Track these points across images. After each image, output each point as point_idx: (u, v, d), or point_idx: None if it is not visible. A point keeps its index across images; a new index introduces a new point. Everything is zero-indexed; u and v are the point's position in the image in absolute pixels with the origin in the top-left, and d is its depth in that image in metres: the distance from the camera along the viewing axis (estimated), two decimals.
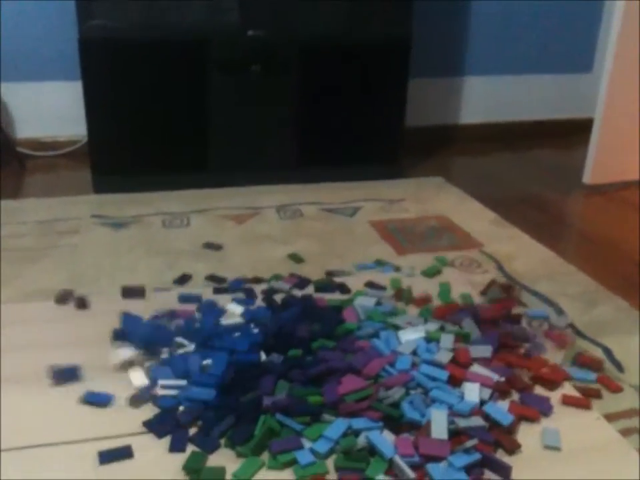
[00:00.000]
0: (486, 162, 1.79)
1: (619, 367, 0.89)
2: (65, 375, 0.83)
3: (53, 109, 1.66)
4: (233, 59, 1.42)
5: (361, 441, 0.71)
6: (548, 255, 1.21)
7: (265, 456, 0.71)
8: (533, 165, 1.77)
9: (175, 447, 0.72)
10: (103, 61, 1.37)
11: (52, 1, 1.57)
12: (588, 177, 1.58)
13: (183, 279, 1.08)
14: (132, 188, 1.44)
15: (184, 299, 1.01)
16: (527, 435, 0.76)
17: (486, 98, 1.98)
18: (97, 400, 0.78)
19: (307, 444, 0.72)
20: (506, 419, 0.76)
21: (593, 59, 2.04)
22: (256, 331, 0.90)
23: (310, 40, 1.45)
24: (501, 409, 0.77)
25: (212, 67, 1.41)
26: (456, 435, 0.73)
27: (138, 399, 0.78)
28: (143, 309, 0.97)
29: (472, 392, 0.79)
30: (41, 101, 1.65)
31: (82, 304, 0.99)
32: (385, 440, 0.71)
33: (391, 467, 0.69)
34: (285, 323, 0.91)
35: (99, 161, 1.44)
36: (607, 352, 0.91)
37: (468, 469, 0.69)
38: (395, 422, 0.74)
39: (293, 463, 0.70)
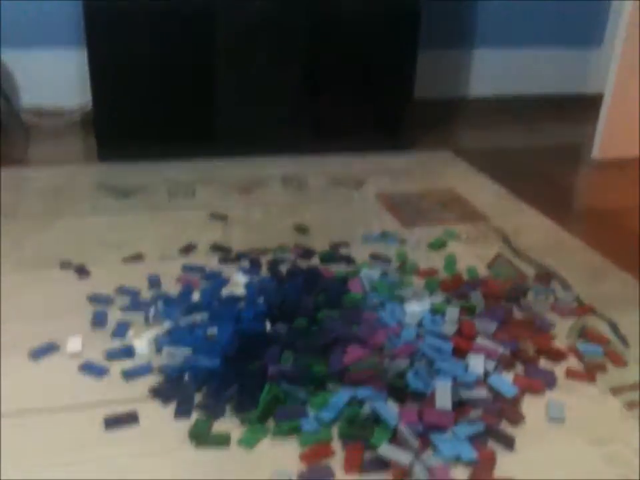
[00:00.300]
0: (495, 136, 1.78)
1: (624, 341, 0.88)
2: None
3: (57, 77, 1.64)
4: (240, 28, 1.40)
5: (365, 410, 0.71)
6: (555, 229, 1.21)
7: (270, 424, 0.71)
8: (541, 139, 1.75)
9: (180, 413, 0.72)
10: (108, 28, 1.35)
11: None
12: (597, 152, 1.57)
13: (188, 249, 1.08)
14: (137, 157, 1.44)
15: (188, 269, 1.01)
16: (531, 406, 0.76)
17: (496, 70, 1.95)
18: (96, 370, 0.79)
19: (312, 413, 0.72)
20: (510, 390, 0.76)
21: (604, 33, 2.01)
22: (261, 301, 0.90)
23: (318, 10, 1.43)
24: (506, 381, 0.77)
25: (218, 35, 1.40)
26: (460, 405, 0.73)
27: (139, 369, 0.79)
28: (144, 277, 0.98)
29: (476, 364, 0.79)
30: (44, 69, 1.64)
31: (82, 271, 1.00)
32: (390, 409, 0.71)
33: (395, 436, 0.69)
34: (290, 293, 0.91)
35: (104, 129, 1.43)
36: (613, 326, 0.91)
37: (472, 439, 0.69)
38: (399, 392, 0.74)
39: (297, 430, 0.70)
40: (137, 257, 1.05)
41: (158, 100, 1.43)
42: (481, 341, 0.83)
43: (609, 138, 1.55)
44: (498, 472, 0.67)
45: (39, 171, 1.40)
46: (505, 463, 0.68)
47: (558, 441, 0.72)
